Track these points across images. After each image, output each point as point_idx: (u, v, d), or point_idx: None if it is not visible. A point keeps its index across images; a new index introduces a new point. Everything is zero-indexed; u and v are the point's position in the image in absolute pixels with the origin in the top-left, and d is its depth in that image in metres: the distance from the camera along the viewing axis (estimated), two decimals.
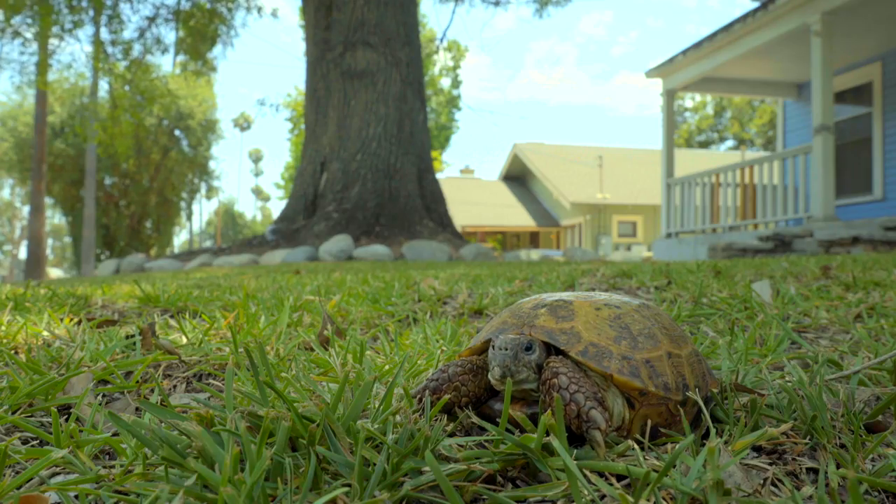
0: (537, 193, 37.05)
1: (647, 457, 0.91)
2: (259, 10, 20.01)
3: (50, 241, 54.02)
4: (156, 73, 20.92)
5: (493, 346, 1.00)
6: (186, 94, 36.61)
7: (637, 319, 1.07)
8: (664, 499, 0.80)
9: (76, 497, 0.83)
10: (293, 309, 2.32)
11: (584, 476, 0.83)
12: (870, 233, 8.41)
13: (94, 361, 1.52)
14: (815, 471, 0.93)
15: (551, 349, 1.04)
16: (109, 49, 18.52)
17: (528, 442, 0.85)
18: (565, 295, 1.13)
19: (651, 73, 13.33)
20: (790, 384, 1.23)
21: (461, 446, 0.92)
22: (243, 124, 66.55)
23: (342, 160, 12.68)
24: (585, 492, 0.78)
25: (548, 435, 0.86)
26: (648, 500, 0.76)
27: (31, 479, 0.88)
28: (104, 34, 18.43)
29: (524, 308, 1.11)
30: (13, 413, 1.19)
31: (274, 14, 21.34)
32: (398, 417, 0.99)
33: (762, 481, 0.86)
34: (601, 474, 0.87)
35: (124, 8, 18.72)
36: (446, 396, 1.01)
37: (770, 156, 11.10)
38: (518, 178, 38.59)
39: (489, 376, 1.01)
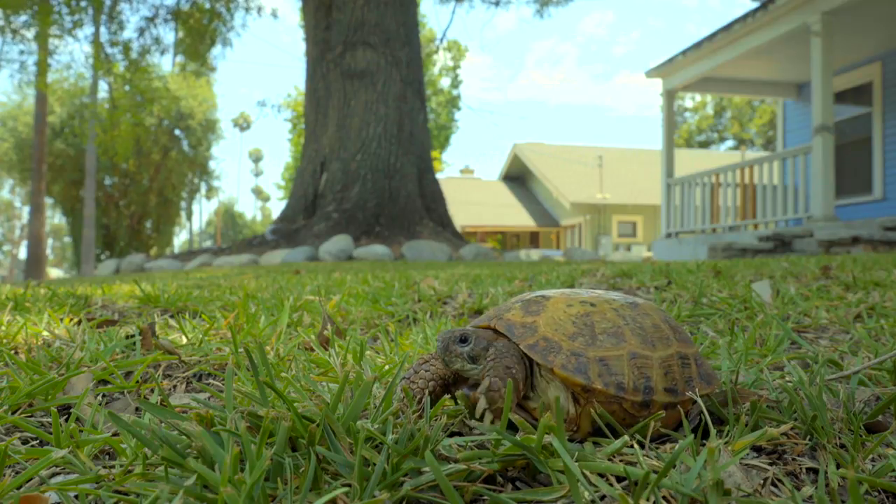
0: (537, 193, 37.04)
1: (647, 456, 0.91)
2: (259, 10, 20.01)
3: (50, 241, 54.04)
4: (155, 74, 20.91)
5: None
6: (186, 94, 36.60)
7: (608, 318, 1.07)
8: (664, 498, 0.80)
9: (76, 497, 0.83)
10: (293, 309, 2.32)
11: (585, 477, 0.83)
12: (870, 233, 8.41)
13: (94, 361, 1.52)
14: (815, 471, 0.93)
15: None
16: (109, 49, 18.52)
17: (529, 443, 0.85)
18: (554, 292, 1.14)
19: (651, 73, 13.33)
20: (790, 384, 1.23)
21: (461, 446, 0.92)
22: (243, 124, 66.55)
23: (342, 160, 12.67)
24: (586, 494, 0.78)
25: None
26: (648, 501, 0.76)
27: (31, 479, 0.88)
28: (103, 34, 18.43)
29: (509, 303, 1.14)
30: (13, 413, 1.19)
31: (274, 14, 21.33)
32: (399, 417, 0.99)
33: (762, 481, 0.86)
34: (601, 474, 0.87)
35: (124, 8, 18.70)
36: (445, 397, 1.06)
37: (770, 156, 11.10)
38: (518, 178, 38.58)
39: None
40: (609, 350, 1.02)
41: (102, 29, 18.37)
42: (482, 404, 0.96)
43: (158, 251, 38.82)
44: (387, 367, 1.46)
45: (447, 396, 1.10)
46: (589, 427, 1.01)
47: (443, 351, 1.06)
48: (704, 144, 47.02)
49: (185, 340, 1.77)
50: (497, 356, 1.01)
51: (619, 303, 1.11)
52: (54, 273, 45.50)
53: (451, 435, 1.00)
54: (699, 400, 1.03)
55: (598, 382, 0.98)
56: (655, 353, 1.05)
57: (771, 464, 0.93)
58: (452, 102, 43.77)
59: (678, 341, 1.09)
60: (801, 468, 0.93)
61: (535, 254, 13.91)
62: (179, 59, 20.56)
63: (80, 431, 1.04)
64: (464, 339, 1.06)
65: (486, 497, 0.80)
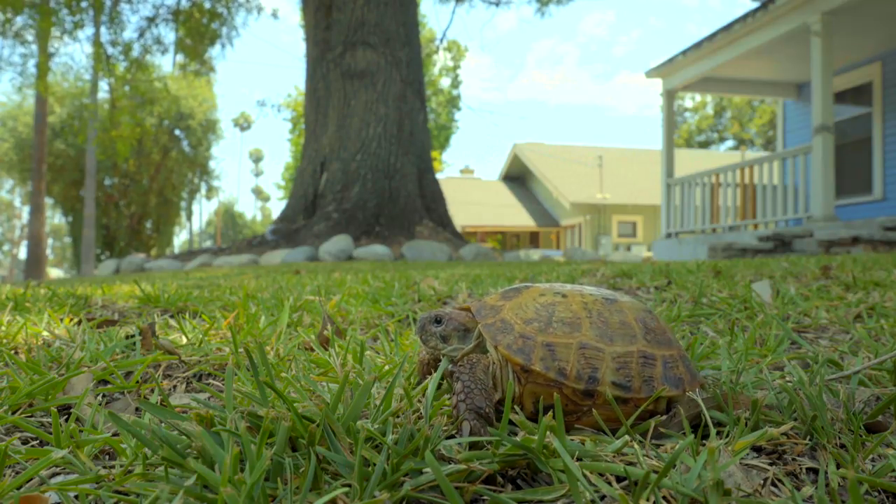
0: (537, 193, 37.04)
1: (647, 456, 0.91)
2: (259, 10, 20.01)
3: (50, 241, 54.03)
4: (156, 74, 20.92)
5: None
6: (186, 94, 36.60)
7: (572, 309, 1.08)
8: (664, 498, 0.79)
9: (76, 497, 0.83)
10: (293, 309, 2.32)
11: (585, 476, 0.83)
12: (870, 233, 8.41)
13: (94, 361, 1.52)
14: (815, 471, 0.93)
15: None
16: (109, 50, 18.52)
17: (529, 443, 0.85)
18: (541, 284, 1.17)
19: (651, 73, 13.33)
20: (790, 384, 1.23)
21: (461, 446, 0.92)
22: (243, 124, 66.55)
23: (342, 160, 12.67)
24: (586, 493, 0.78)
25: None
26: (648, 501, 0.76)
27: (31, 479, 0.88)
28: (104, 35, 18.43)
29: (498, 290, 1.19)
30: (13, 413, 1.19)
31: (274, 14, 21.32)
32: (399, 417, 0.99)
33: (762, 481, 0.86)
34: (601, 474, 0.87)
35: (124, 8, 18.70)
36: (445, 397, 1.09)
37: (770, 156, 11.10)
38: (518, 178, 38.57)
39: None
40: (559, 337, 1.04)
41: (103, 29, 18.38)
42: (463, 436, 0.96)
43: (158, 251, 38.81)
44: (387, 367, 1.45)
45: (447, 397, 1.10)
46: (532, 407, 1.04)
47: (419, 331, 1.16)
48: (704, 144, 47.01)
49: (185, 340, 1.77)
50: (467, 382, 1.01)
51: (592, 297, 1.11)
52: (54, 273, 45.51)
53: (451, 436, 1.00)
54: (699, 397, 1.02)
55: (539, 365, 1.01)
56: (611, 347, 1.04)
57: (771, 464, 0.93)
58: (452, 102, 43.77)
59: (647, 341, 1.07)
60: (801, 468, 0.93)
61: (535, 254, 13.91)
62: (180, 58, 20.54)
63: (80, 431, 1.04)
64: (437, 321, 1.15)
65: (486, 497, 0.80)
